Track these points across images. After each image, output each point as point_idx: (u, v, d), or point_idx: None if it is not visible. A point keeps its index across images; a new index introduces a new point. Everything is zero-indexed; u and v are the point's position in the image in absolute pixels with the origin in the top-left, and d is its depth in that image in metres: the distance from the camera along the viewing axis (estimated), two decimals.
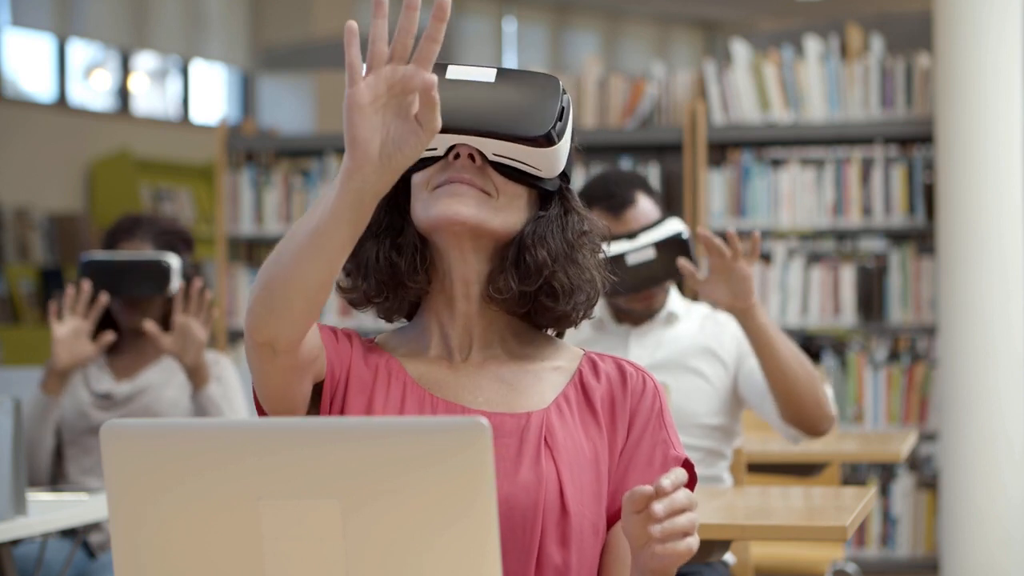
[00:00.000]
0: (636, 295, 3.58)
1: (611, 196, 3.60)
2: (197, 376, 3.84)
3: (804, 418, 3.40)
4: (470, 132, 1.93)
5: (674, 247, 3.50)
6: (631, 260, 3.48)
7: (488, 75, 1.96)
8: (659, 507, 1.74)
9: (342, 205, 1.72)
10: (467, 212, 1.94)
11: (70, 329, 3.83)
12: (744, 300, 3.32)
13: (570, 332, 2.08)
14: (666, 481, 1.75)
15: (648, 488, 1.76)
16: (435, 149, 1.95)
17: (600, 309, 2.01)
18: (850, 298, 6.29)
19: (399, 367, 1.99)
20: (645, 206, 3.60)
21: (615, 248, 3.43)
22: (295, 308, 1.78)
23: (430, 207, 1.95)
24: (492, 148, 1.94)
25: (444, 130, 1.82)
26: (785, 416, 3.41)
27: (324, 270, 1.76)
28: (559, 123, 1.96)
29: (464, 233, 1.95)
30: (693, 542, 1.77)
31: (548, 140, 1.95)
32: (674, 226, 3.52)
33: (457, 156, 1.95)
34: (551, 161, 1.97)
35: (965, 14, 5.80)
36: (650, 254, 3.49)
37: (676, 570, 1.81)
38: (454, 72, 1.96)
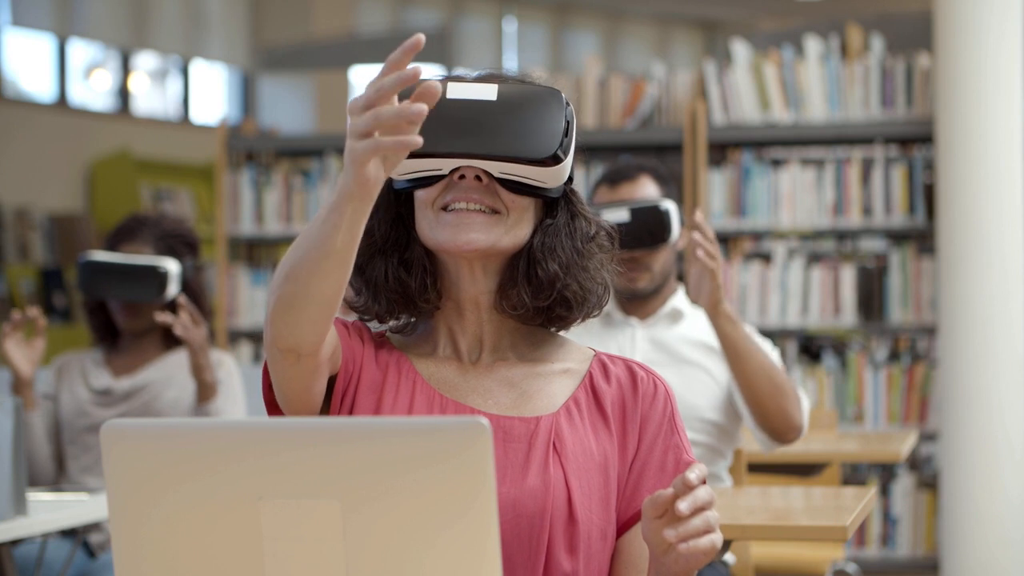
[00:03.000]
0: None
1: (616, 171, 3.62)
2: (199, 385, 3.83)
3: (768, 426, 3.42)
4: (475, 156, 1.90)
5: (650, 215, 3.46)
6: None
7: (489, 92, 1.91)
8: (684, 505, 1.73)
9: (343, 199, 1.71)
10: (480, 239, 1.92)
11: (14, 341, 3.83)
12: (712, 298, 3.33)
13: (578, 328, 2.07)
14: (692, 474, 1.73)
15: (668, 491, 1.75)
16: (440, 169, 1.91)
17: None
18: (850, 298, 6.29)
19: (409, 366, 1.99)
20: (645, 186, 3.59)
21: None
22: (313, 315, 1.78)
23: (437, 232, 1.93)
24: (498, 168, 1.91)
25: (448, 153, 1.80)
26: (755, 419, 3.42)
27: (336, 274, 1.75)
28: (564, 140, 1.92)
29: (475, 256, 1.94)
30: (716, 538, 1.75)
31: (555, 160, 1.92)
32: (662, 202, 3.51)
33: (462, 177, 1.92)
34: (557, 175, 1.94)
35: (965, 14, 5.80)
36: (623, 216, 3.44)
37: (698, 571, 1.80)
38: (454, 91, 1.91)
